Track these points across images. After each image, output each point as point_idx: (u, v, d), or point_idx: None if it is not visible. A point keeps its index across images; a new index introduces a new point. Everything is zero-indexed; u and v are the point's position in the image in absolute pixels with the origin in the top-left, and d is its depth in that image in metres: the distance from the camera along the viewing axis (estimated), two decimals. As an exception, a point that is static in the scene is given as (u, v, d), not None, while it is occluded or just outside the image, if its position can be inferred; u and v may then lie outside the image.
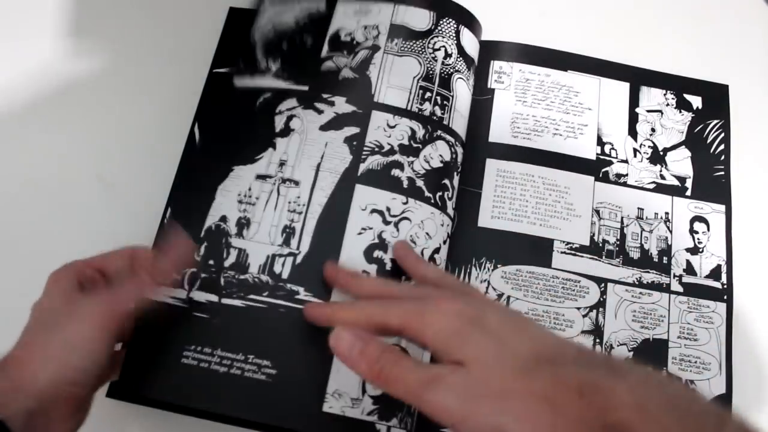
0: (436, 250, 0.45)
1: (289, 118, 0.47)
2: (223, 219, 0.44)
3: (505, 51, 0.55)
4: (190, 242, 0.41)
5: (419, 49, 0.49)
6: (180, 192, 0.47)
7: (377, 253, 0.43)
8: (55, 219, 0.50)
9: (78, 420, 0.35)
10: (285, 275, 0.42)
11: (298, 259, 0.43)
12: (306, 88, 0.48)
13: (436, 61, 0.49)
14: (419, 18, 0.50)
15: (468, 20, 0.52)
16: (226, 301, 0.41)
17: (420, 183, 0.45)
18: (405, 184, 0.45)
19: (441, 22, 0.50)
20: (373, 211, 0.44)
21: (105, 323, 0.35)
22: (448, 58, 0.49)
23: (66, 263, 0.39)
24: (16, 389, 0.31)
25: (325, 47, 0.49)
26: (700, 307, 0.49)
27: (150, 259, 0.39)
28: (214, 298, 0.41)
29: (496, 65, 0.55)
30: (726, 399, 0.47)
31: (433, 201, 0.45)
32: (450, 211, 0.47)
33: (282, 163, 0.45)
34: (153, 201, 0.50)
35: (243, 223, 0.44)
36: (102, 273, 0.39)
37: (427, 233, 0.44)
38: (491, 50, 0.55)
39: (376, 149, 0.45)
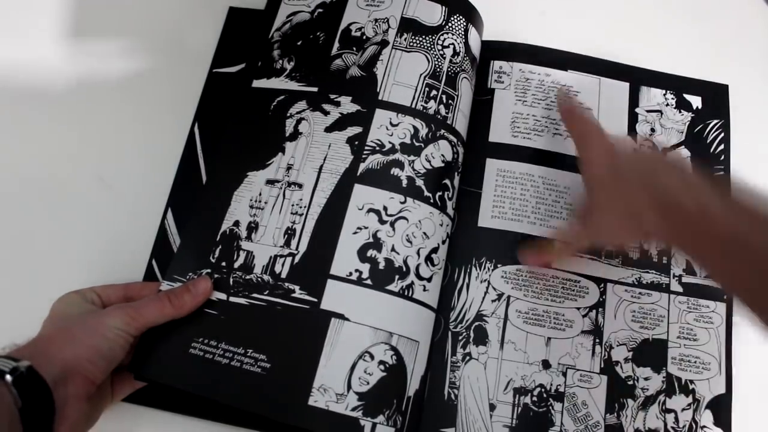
0: (434, 250, 0.45)
1: (299, 121, 0.47)
2: (236, 224, 0.45)
3: (505, 51, 0.55)
4: (208, 279, 0.43)
5: (428, 45, 0.49)
6: (182, 193, 0.49)
7: (371, 252, 0.43)
8: (55, 219, 0.50)
9: (90, 409, 0.38)
10: (284, 275, 0.43)
11: (296, 259, 0.43)
12: (315, 89, 0.48)
13: (444, 58, 0.49)
14: (431, 12, 0.50)
15: (475, 19, 0.52)
16: (233, 299, 0.43)
17: (420, 182, 0.45)
18: (404, 183, 0.45)
19: (452, 18, 0.50)
20: (370, 210, 0.44)
21: (127, 323, 0.39)
22: (455, 57, 0.49)
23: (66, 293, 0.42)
24: (46, 356, 0.35)
25: (336, 44, 0.50)
26: (700, 307, 0.49)
27: (143, 290, 0.44)
28: (223, 296, 0.43)
29: (496, 65, 0.55)
30: (726, 399, 0.47)
31: (432, 201, 0.45)
32: (450, 211, 0.47)
33: (289, 167, 0.46)
34: (153, 201, 0.51)
35: (252, 227, 0.45)
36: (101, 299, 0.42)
37: (425, 233, 0.44)
38: (491, 50, 0.55)
39: (377, 148, 0.46)
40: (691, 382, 0.47)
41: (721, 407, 0.46)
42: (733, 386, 0.47)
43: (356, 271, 0.43)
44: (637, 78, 0.56)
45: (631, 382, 0.46)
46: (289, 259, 0.43)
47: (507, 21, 0.56)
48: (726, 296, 0.49)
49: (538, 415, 0.45)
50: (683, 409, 0.46)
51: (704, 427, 0.46)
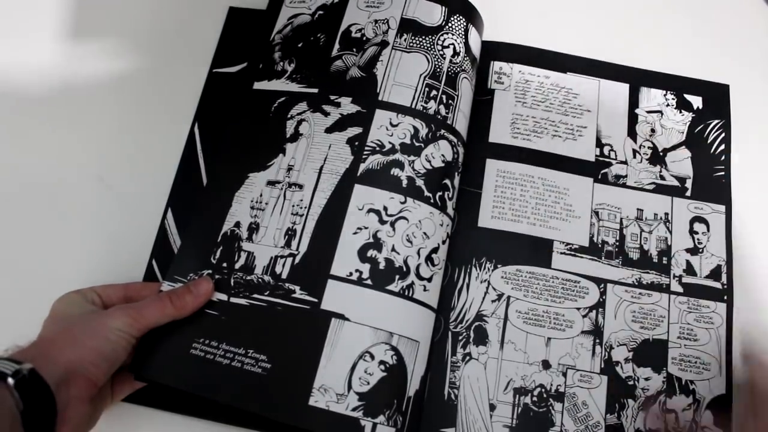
0: (435, 250, 0.45)
1: (299, 122, 0.47)
2: (237, 225, 0.45)
3: (505, 52, 0.55)
4: (209, 280, 0.43)
5: (428, 45, 0.49)
6: (182, 193, 0.50)
7: (371, 252, 0.43)
8: (55, 219, 0.50)
9: (92, 411, 0.38)
10: (284, 275, 0.43)
11: (297, 260, 0.43)
12: (316, 90, 0.48)
13: (444, 58, 0.49)
14: (431, 13, 0.50)
15: (476, 19, 0.52)
16: (234, 300, 0.43)
17: (420, 182, 0.45)
18: (404, 183, 0.45)
19: (452, 18, 0.50)
20: (370, 210, 0.44)
21: (129, 325, 0.39)
22: (456, 57, 0.49)
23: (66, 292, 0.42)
24: (48, 359, 0.35)
25: (336, 46, 0.50)
26: (700, 307, 0.49)
27: (143, 290, 0.44)
28: (224, 297, 0.43)
29: (496, 66, 0.55)
30: (726, 399, 0.47)
31: (432, 201, 0.45)
32: (450, 211, 0.47)
33: (290, 168, 0.46)
34: (153, 201, 0.50)
35: (253, 228, 0.45)
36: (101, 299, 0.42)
37: (425, 233, 0.44)
38: (491, 51, 0.55)
39: (377, 148, 0.46)
40: (692, 382, 0.47)
41: (722, 408, 0.46)
42: (733, 387, 0.47)
43: (356, 271, 0.43)
44: (636, 79, 0.56)
45: (631, 383, 0.46)
46: (289, 260, 0.43)
47: (507, 21, 0.56)
48: (726, 297, 0.49)
49: (539, 415, 0.45)
50: (684, 410, 0.46)
51: (704, 427, 0.46)
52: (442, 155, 0.47)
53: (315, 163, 0.46)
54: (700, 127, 0.54)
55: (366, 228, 0.44)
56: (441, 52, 0.49)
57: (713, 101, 0.55)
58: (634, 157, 0.53)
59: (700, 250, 0.50)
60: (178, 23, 0.58)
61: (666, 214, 0.51)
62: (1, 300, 0.47)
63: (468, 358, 0.46)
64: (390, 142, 0.46)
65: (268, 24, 0.52)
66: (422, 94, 0.47)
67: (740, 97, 0.56)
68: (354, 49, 0.49)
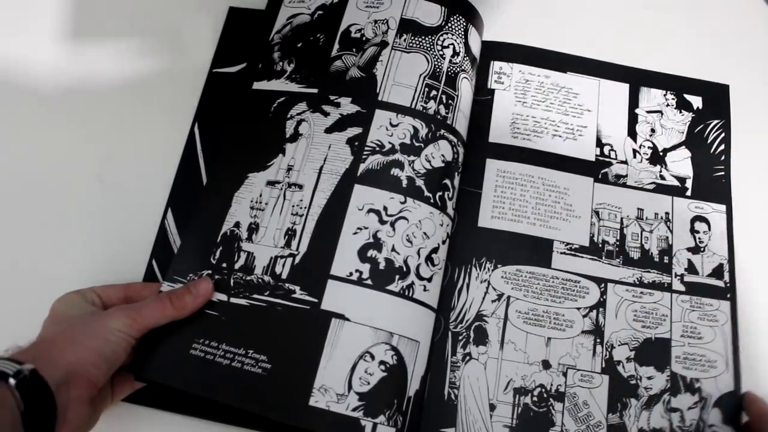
0: (435, 250, 0.45)
1: (299, 122, 0.48)
2: (237, 225, 0.45)
3: (505, 52, 0.55)
4: (209, 280, 0.43)
5: (428, 45, 0.49)
6: (182, 193, 0.50)
7: (371, 252, 0.43)
8: (55, 219, 0.50)
9: (92, 412, 0.38)
10: (284, 275, 0.43)
11: (297, 260, 0.43)
12: (315, 90, 0.48)
13: (444, 58, 0.49)
14: (430, 13, 0.50)
15: (475, 19, 0.52)
16: (233, 300, 0.43)
17: (420, 182, 0.45)
18: (404, 183, 0.45)
19: (451, 18, 0.50)
20: (370, 210, 0.44)
21: (129, 325, 0.39)
22: (455, 57, 0.49)
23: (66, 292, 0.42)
24: (48, 360, 0.35)
25: (336, 46, 0.50)
26: (704, 305, 0.49)
27: (143, 290, 0.44)
28: (224, 297, 0.43)
29: (496, 66, 0.55)
30: (735, 396, 0.46)
31: (432, 201, 0.45)
32: (450, 211, 0.47)
33: (289, 168, 0.46)
34: (153, 201, 0.50)
35: (253, 228, 0.45)
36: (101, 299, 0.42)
37: (425, 233, 0.44)
38: (491, 50, 0.55)
39: (377, 149, 0.46)
40: (697, 380, 0.47)
41: (730, 405, 0.46)
42: (742, 383, 0.47)
43: (356, 271, 0.43)
44: (636, 79, 0.56)
45: (633, 382, 0.46)
46: (289, 260, 0.43)
47: (507, 21, 0.56)
48: (729, 295, 0.49)
49: (539, 415, 0.45)
50: (689, 408, 0.46)
51: (712, 425, 0.45)
52: (442, 155, 0.47)
53: (315, 163, 0.46)
54: (700, 127, 0.54)
55: (366, 228, 0.44)
56: (441, 52, 0.49)
57: (713, 101, 0.55)
58: (634, 156, 0.53)
59: (702, 249, 0.50)
60: (178, 23, 0.58)
61: (666, 213, 0.51)
62: (1, 300, 0.47)
63: (468, 358, 0.46)
64: (390, 142, 0.46)
65: (268, 24, 0.52)
66: (422, 94, 0.48)
67: (740, 97, 0.56)
68: (353, 50, 0.49)
